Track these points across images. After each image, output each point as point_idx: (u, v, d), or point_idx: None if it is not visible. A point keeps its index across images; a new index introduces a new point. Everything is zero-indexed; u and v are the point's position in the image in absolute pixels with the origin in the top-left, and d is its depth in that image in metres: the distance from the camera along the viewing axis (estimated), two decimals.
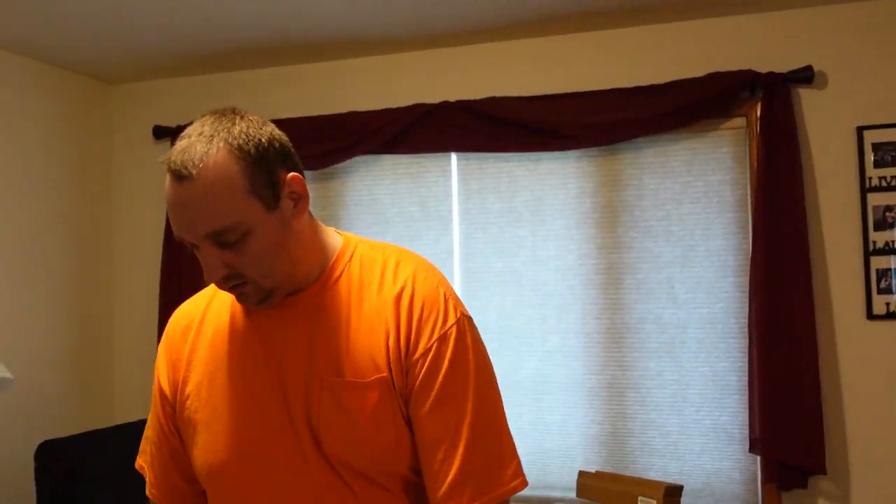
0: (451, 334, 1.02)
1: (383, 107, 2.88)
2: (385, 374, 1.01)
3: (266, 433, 1.03)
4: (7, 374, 2.38)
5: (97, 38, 2.70)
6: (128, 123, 3.26)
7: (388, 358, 1.01)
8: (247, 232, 0.97)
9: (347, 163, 2.94)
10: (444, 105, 2.79)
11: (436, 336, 1.01)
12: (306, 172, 3.27)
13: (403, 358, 1.01)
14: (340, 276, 1.06)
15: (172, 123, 3.14)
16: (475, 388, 1.02)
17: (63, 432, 2.88)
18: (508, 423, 1.10)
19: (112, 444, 2.64)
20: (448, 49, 2.89)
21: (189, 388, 1.10)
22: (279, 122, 3.14)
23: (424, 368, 1.01)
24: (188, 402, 1.10)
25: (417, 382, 1.01)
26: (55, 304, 2.97)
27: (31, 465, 2.51)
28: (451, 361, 1.01)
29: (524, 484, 1.05)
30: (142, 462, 1.20)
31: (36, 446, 2.51)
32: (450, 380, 1.01)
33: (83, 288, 3.10)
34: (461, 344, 1.02)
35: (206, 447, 1.07)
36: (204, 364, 1.09)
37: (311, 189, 2.99)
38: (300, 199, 1.02)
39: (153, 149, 3.20)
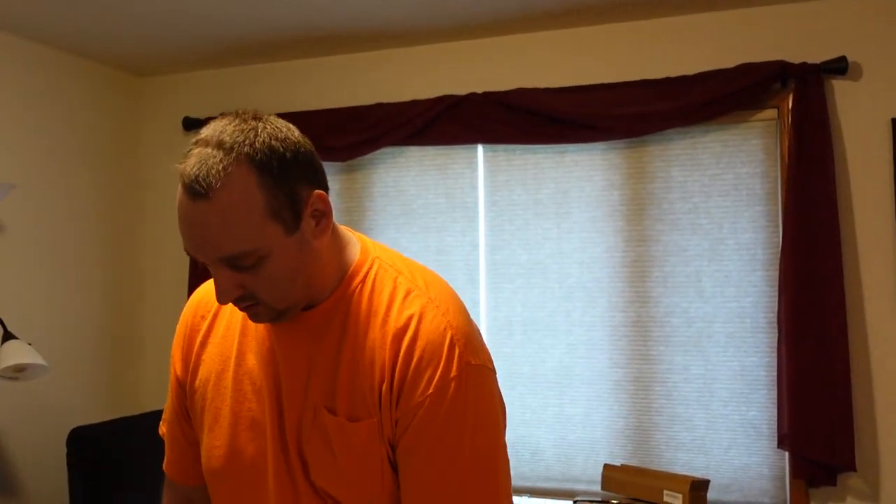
0: (448, 388, 0.93)
1: (410, 98, 2.88)
2: (374, 419, 0.95)
3: (260, 450, 1.01)
4: (41, 362, 2.43)
5: (127, 30, 2.73)
6: (158, 115, 3.30)
7: (380, 404, 0.95)
8: (264, 257, 0.91)
9: (374, 154, 2.95)
10: (471, 97, 2.78)
11: (431, 389, 0.93)
12: (333, 164, 3.27)
13: (394, 408, 0.94)
14: (352, 297, 0.99)
15: (202, 115, 3.17)
16: (469, 451, 0.94)
17: (94, 419, 2.93)
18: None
19: (141, 431, 2.69)
20: (475, 40, 2.88)
21: (197, 383, 1.08)
22: (307, 114, 3.16)
23: (414, 422, 0.93)
24: (196, 396, 1.09)
25: (405, 434, 0.94)
26: (86, 293, 3.02)
27: (64, 449, 2.57)
28: (445, 419, 0.93)
29: None
30: (164, 430, 1.20)
31: (68, 432, 2.57)
32: (439, 438, 0.93)
33: (114, 277, 3.15)
34: (459, 400, 0.93)
35: (207, 449, 1.07)
36: (212, 361, 1.07)
37: (337, 181, 3.02)
38: (323, 216, 0.95)
39: (183, 140, 3.23)
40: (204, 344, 1.08)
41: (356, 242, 1.04)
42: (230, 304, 1.06)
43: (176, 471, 1.18)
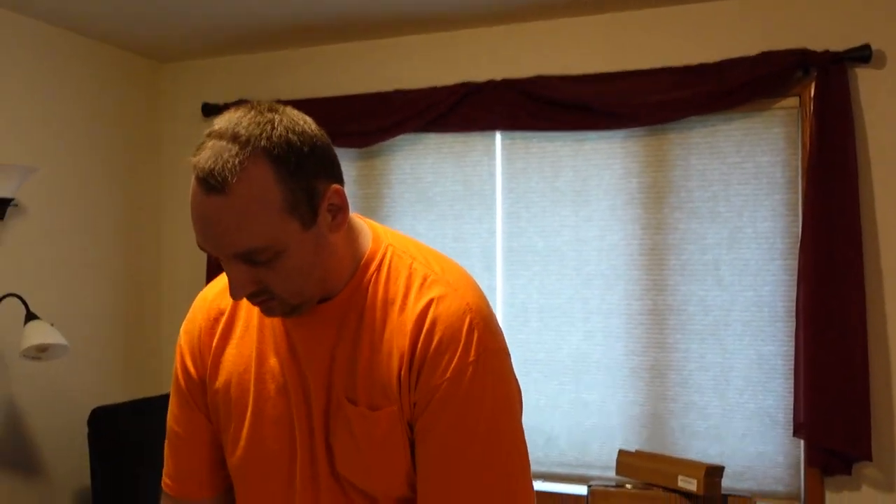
0: (466, 371, 0.93)
1: (429, 85, 2.89)
2: (395, 407, 0.96)
3: (284, 446, 1.01)
4: (62, 342, 2.47)
5: (148, 16, 2.75)
6: (177, 101, 3.32)
7: (399, 390, 0.95)
8: (280, 252, 0.89)
9: (391, 141, 2.96)
10: (491, 84, 2.78)
11: (448, 373, 0.93)
12: (350, 151, 3.27)
13: (413, 390, 0.95)
14: (367, 287, 0.99)
15: (221, 101, 3.19)
16: (485, 434, 0.94)
17: (114, 399, 2.97)
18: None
19: (160, 412, 2.71)
20: (495, 27, 2.87)
21: (217, 385, 1.07)
22: (325, 100, 3.16)
23: (431, 404, 0.94)
24: (218, 398, 1.07)
25: (422, 416, 0.95)
26: (106, 275, 3.06)
27: (85, 429, 2.61)
28: (462, 402, 0.93)
29: None
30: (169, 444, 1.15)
31: (89, 412, 2.61)
32: (456, 421, 0.94)
33: (133, 259, 3.19)
34: (477, 384, 0.93)
35: (231, 449, 1.06)
36: (232, 363, 1.05)
37: (355, 167, 3.03)
38: (339, 211, 0.94)
39: (202, 126, 3.25)
40: (222, 346, 1.07)
41: (367, 230, 1.03)
42: (245, 304, 1.06)
43: (182, 485, 1.12)
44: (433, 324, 0.94)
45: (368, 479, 0.99)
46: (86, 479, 2.67)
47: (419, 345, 0.94)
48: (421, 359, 0.94)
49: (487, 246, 2.87)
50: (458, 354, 0.93)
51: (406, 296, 0.97)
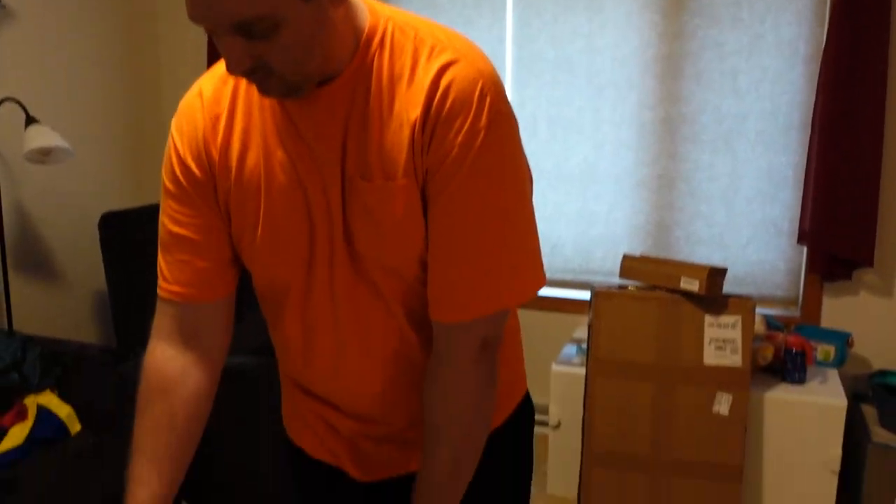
0: (478, 135, 0.92)
1: None
2: (409, 179, 0.94)
3: (303, 229, 1.01)
4: (65, 145, 2.44)
5: None
6: None
7: (413, 157, 0.94)
8: (277, 24, 0.84)
9: None
10: None
11: (461, 137, 0.92)
12: None
13: (426, 155, 0.94)
14: (372, 64, 0.95)
15: None
16: (495, 198, 0.95)
17: (123, 204, 3.00)
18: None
19: None
20: None
21: (227, 183, 1.04)
22: None
23: (442, 168, 0.93)
24: (228, 196, 1.04)
25: (433, 180, 0.94)
26: (105, 78, 2.99)
27: (97, 233, 2.64)
28: (473, 165, 0.92)
29: (522, 297, 0.98)
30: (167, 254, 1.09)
31: (99, 216, 2.63)
32: (467, 184, 0.93)
33: (131, 61, 3.11)
34: (487, 148, 0.92)
35: (248, 240, 1.04)
36: (238, 160, 1.03)
37: None
38: None
39: None
40: (226, 145, 1.04)
41: (362, 5, 0.97)
42: (242, 103, 1.02)
43: (193, 289, 1.07)
44: (447, 88, 0.92)
45: (386, 253, 0.99)
46: (101, 279, 2.75)
47: (432, 108, 0.93)
48: (434, 121, 0.93)
49: (497, 54, 2.77)
50: (470, 117, 0.92)
51: (414, 68, 0.94)
